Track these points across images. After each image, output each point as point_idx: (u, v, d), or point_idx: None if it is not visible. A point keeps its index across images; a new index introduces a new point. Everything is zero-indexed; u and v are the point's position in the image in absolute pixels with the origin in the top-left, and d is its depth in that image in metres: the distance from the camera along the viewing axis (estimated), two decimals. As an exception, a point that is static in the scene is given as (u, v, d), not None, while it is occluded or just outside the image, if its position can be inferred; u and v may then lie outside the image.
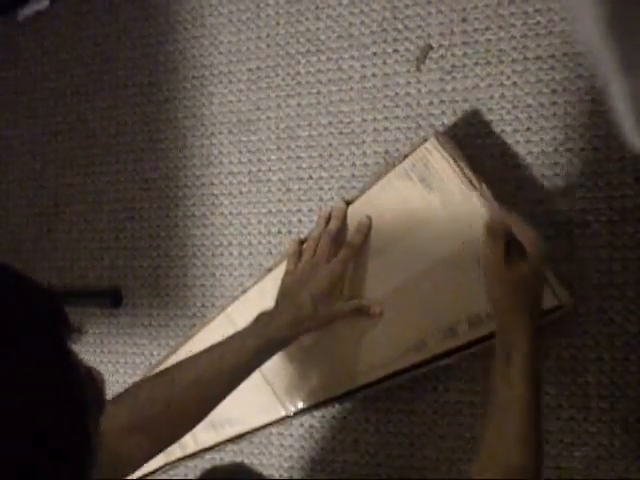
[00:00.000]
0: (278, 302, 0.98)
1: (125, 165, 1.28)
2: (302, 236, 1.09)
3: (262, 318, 0.94)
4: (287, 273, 1.02)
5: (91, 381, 0.45)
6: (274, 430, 1.13)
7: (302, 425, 1.12)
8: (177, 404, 0.81)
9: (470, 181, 0.94)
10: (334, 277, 0.96)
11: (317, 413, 1.10)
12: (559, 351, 0.97)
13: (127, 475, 0.80)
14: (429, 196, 0.96)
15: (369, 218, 1.00)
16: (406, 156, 0.99)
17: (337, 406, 1.09)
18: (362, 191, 1.03)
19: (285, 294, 0.98)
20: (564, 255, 0.97)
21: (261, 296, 1.06)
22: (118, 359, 1.27)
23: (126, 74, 1.29)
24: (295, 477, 1.13)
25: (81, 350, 1.29)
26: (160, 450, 0.83)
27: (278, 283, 1.02)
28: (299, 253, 1.03)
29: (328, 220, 1.02)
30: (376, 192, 1.01)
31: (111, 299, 1.27)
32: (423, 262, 0.97)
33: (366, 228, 0.99)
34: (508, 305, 0.82)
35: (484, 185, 0.94)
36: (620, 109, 0.51)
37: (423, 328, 0.96)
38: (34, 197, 1.37)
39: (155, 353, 1.24)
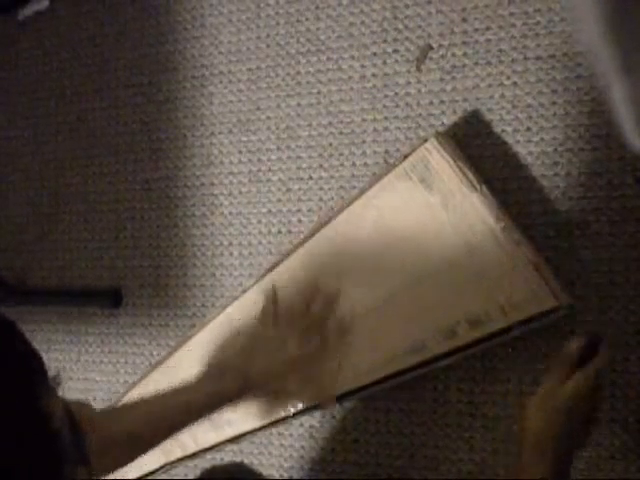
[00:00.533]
0: (235, 360, 0.99)
1: (125, 165, 1.28)
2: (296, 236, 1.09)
3: (212, 372, 0.97)
4: (258, 332, 1.02)
5: (70, 420, 0.45)
6: (274, 430, 1.13)
7: (302, 425, 1.12)
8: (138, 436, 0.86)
9: (470, 182, 0.94)
10: (298, 364, 0.98)
11: (317, 413, 1.10)
12: (559, 351, 0.96)
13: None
14: (429, 197, 0.96)
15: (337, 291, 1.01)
16: (406, 156, 0.99)
17: (337, 406, 1.09)
18: (362, 192, 1.03)
19: (245, 354, 0.99)
20: (564, 255, 0.97)
21: (261, 296, 1.07)
22: (118, 359, 1.27)
23: (126, 74, 1.29)
24: (295, 477, 1.13)
25: (81, 350, 1.30)
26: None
27: (278, 283, 1.02)
28: (273, 312, 1.03)
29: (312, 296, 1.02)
30: (376, 193, 1.01)
31: (111, 299, 1.27)
32: (423, 263, 0.97)
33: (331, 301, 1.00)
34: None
35: (484, 186, 0.94)
36: (620, 109, 0.52)
37: (423, 329, 0.96)
38: (34, 197, 1.37)
39: (155, 353, 1.24)
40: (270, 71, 1.16)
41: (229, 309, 1.12)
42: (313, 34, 1.13)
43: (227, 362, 0.99)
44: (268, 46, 1.17)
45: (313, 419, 1.11)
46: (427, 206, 0.96)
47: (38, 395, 0.44)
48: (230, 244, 1.18)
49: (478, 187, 0.94)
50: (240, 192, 1.18)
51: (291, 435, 1.13)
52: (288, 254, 1.07)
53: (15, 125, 1.40)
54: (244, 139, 1.18)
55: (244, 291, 1.12)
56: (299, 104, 1.14)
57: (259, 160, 1.17)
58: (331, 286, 1.01)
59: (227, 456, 1.17)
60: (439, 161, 0.96)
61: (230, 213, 1.19)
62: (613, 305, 0.94)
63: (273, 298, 1.04)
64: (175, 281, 1.23)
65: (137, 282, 1.26)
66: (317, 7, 1.13)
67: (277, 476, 1.14)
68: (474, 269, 0.91)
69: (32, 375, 0.45)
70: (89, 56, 1.33)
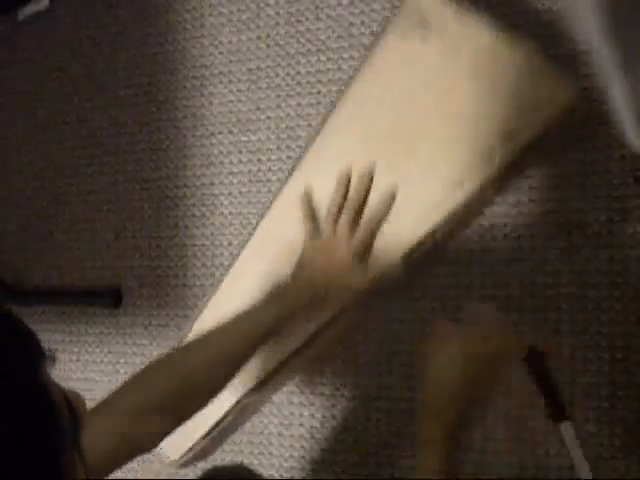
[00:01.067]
0: (295, 273, 0.93)
1: (125, 165, 1.28)
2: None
3: (280, 289, 0.91)
4: (307, 242, 0.94)
5: (67, 404, 0.46)
6: (274, 430, 1.14)
7: (302, 425, 1.12)
8: (196, 378, 0.80)
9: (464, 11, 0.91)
10: (355, 259, 0.91)
11: (317, 413, 1.10)
12: (559, 351, 0.97)
13: (147, 450, 0.80)
14: (427, 45, 0.93)
15: (395, 188, 0.93)
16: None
17: (337, 406, 1.09)
18: (359, 68, 0.99)
19: (303, 266, 0.93)
20: (564, 256, 0.97)
21: (255, 254, 1.03)
22: (118, 359, 1.27)
23: (126, 74, 1.29)
24: (295, 477, 1.13)
25: (81, 350, 1.29)
26: (182, 419, 0.81)
27: (306, 179, 0.98)
28: (313, 217, 0.96)
29: (348, 184, 0.95)
30: (377, 58, 0.97)
31: (111, 299, 1.27)
32: (446, 105, 0.92)
33: (391, 199, 0.92)
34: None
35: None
36: (620, 109, 0.52)
37: (462, 163, 0.91)
38: (34, 197, 1.37)
39: (155, 353, 1.24)
40: (270, 71, 1.16)
41: (263, 223, 1.04)
42: (313, 34, 1.13)
43: (284, 280, 0.92)
44: (268, 46, 1.17)
45: (313, 419, 1.11)
46: (429, 53, 0.92)
47: (38, 368, 0.44)
48: (230, 244, 1.19)
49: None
50: (240, 192, 1.18)
51: (291, 435, 1.13)
52: (307, 146, 1.02)
53: (15, 125, 1.40)
54: (244, 139, 1.18)
55: (273, 199, 1.04)
56: (299, 104, 1.14)
57: (259, 160, 1.17)
58: (360, 162, 0.95)
59: (227, 456, 1.17)
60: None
61: (230, 213, 1.19)
62: (613, 305, 0.94)
63: (308, 201, 0.97)
64: (175, 281, 1.23)
65: (137, 282, 1.26)
66: (317, 7, 1.13)
67: (277, 476, 1.14)
68: (492, 91, 0.89)
69: (32, 350, 0.46)
70: (89, 56, 1.33)
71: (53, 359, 1.29)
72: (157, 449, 0.84)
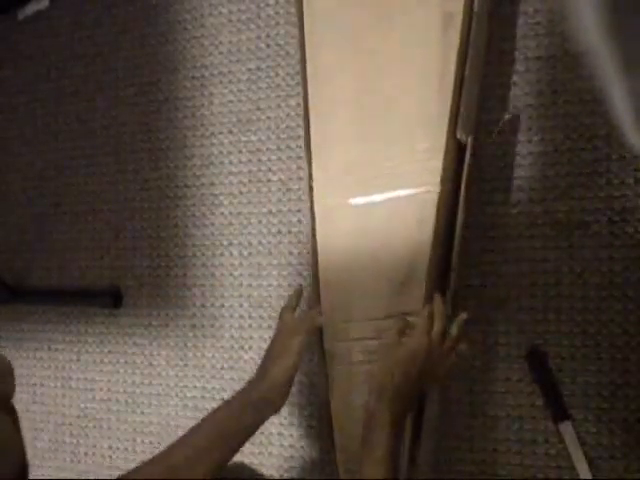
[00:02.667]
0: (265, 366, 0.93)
1: (125, 165, 1.28)
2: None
3: (252, 383, 0.93)
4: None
5: None
6: (274, 430, 1.13)
7: (302, 425, 1.12)
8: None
9: None
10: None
11: (317, 413, 1.10)
12: (559, 351, 0.97)
13: None
14: None
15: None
16: None
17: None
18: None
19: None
20: (564, 256, 0.97)
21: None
22: (118, 359, 1.27)
23: (126, 74, 1.29)
24: (295, 477, 1.13)
25: (81, 350, 1.29)
26: None
27: None
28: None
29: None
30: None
31: (111, 299, 1.27)
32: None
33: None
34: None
35: None
36: (620, 109, 0.51)
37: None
38: (34, 197, 1.37)
39: (155, 353, 1.24)
40: (270, 71, 1.16)
41: None
42: (313, 34, 1.13)
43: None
44: (268, 46, 1.17)
45: (313, 419, 1.11)
46: None
47: None
48: (230, 244, 1.18)
49: None
50: (240, 192, 1.18)
51: (291, 435, 1.13)
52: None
53: (15, 125, 1.40)
54: (244, 139, 1.18)
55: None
56: (299, 104, 1.13)
57: (259, 160, 1.17)
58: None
59: (227, 456, 1.17)
60: None
61: (230, 213, 1.19)
62: (613, 305, 0.94)
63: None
64: (175, 281, 1.23)
65: (137, 282, 1.26)
66: (317, 7, 1.13)
67: (277, 476, 1.14)
68: None
69: None
70: (89, 56, 1.33)
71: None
72: None
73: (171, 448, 0.87)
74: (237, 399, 0.91)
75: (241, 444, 0.90)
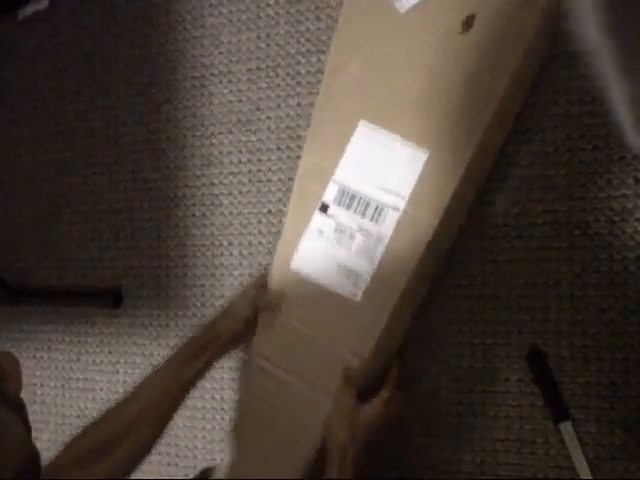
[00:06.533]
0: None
1: (125, 165, 1.28)
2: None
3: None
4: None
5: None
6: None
7: (302, 425, 1.12)
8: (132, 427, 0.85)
9: None
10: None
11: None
12: (559, 350, 0.97)
13: None
14: None
15: None
16: None
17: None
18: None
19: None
20: (564, 256, 0.97)
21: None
22: (118, 359, 1.27)
23: (126, 74, 1.29)
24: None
25: (81, 350, 1.29)
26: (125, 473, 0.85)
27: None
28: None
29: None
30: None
31: (111, 299, 1.27)
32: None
33: None
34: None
35: None
36: (620, 109, 0.51)
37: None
38: (34, 197, 1.37)
39: (155, 353, 1.24)
40: (270, 71, 1.16)
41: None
42: (313, 34, 1.13)
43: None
44: (268, 46, 1.17)
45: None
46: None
47: None
48: (230, 244, 1.18)
49: None
50: (240, 192, 1.18)
51: (291, 435, 1.13)
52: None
53: (15, 125, 1.40)
54: (244, 139, 1.18)
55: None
56: (299, 104, 1.14)
57: (259, 160, 1.17)
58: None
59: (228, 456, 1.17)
60: None
61: (230, 213, 1.19)
62: (613, 305, 0.94)
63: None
64: (175, 281, 1.23)
65: (137, 282, 1.26)
66: (317, 7, 1.13)
67: (277, 476, 1.14)
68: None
69: None
70: (89, 56, 1.33)
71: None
72: None
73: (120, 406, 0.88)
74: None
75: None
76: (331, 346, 0.91)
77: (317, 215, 0.93)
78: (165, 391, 0.90)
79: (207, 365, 0.94)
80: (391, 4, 0.92)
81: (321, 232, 0.92)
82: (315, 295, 0.92)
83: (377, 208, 0.90)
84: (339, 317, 0.91)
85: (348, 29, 0.96)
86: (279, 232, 1.14)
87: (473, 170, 0.90)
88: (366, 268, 0.90)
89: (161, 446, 1.24)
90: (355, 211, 0.92)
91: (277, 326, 0.95)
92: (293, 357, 0.93)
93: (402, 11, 0.91)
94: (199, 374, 0.94)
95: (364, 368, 0.90)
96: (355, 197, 0.92)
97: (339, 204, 0.92)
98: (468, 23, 0.88)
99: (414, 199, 0.88)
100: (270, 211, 1.15)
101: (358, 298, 0.90)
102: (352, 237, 0.91)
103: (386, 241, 0.89)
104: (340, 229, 0.92)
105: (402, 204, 0.89)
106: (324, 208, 0.92)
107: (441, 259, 0.99)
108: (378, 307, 0.90)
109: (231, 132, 1.19)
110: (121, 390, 1.26)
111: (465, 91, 0.88)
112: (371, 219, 0.91)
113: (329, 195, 0.92)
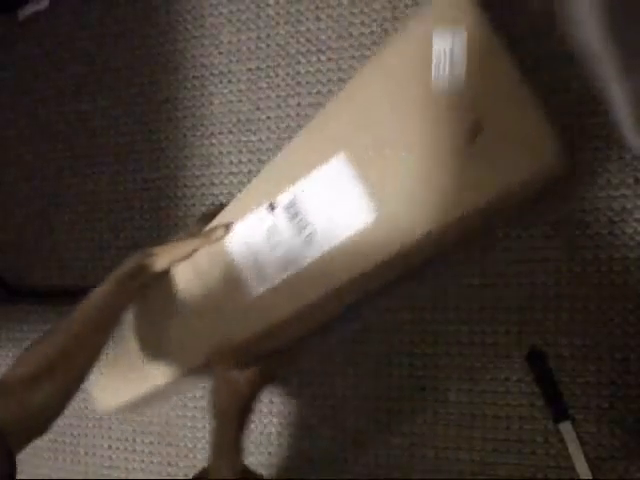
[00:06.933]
0: None
1: (125, 165, 1.28)
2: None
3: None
4: None
5: None
6: (274, 430, 1.14)
7: (302, 425, 1.12)
8: (70, 351, 0.87)
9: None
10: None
11: (317, 413, 1.10)
12: (559, 350, 0.97)
13: (46, 429, 0.86)
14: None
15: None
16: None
17: (337, 406, 1.09)
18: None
19: None
20: (564, 256, 0.97)
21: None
22: (118, 359, 1.27)
23: (126, 74, 1.29)
24: (295, 477, 1.13)
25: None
26: (68, 396, 0.88)
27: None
28: None
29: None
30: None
31: (111, 299, 1.26)
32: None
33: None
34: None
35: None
36: (620, 109, 0.52)
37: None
38: (34, 197, 1.37)
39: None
40: (270, 71, 1.16)
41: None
42: (313, 34, 1.13)
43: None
44: (268, 46, 1.17)
45: (313, 419, 1.11)
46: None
47: None
48: (230, 244, 1.18)
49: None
50: (240, 192, 1.18)
51: (291, 435, 1.13)
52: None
53: (15, 125, 1.40)
54: (244, 139, 1.18)
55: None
56: (299, 104, 1.14)
57: (259, 160, 1.17)
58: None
59: (227, 456, 1.17)
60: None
61: (230, 213, 1.19)
62: (613, 305, 0.94)
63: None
64: (175, 281, 1.23)
65: (137, 282, 1.26)
66: (317, 7, 1.13)
67: (277, 476, 1.14)
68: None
69: None
70: (89, 56, 1.33)
71: None
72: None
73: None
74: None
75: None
76: (212, 318, 0.99)
77: (264, 208, 0.98)
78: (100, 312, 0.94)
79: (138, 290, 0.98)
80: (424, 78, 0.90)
81: (260, 222, 0.98)
82: (226, 270, 0.99)
83: (310, 235, 0.96)
84: (232, 298, 0.98)
85: (367, 82, 0.96)
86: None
87: (401, 258, 0.91)
88: (276, 274, 0.96)
89: (161, 446, 1.24)
90: (294, 226, 0.97)
91: (184, 273, 1.01)
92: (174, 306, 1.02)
93: (434, 88, 0.90)
94: (131, 297, 0.98)
95: (232, 354, 0.96)
96: (299, 214, 0.97)
97: (285, 211, 0.97)
98: (473, 132, 0.88)
99: (340, 247, 0.93)
100: (270, 211, 1.15)
101: (256, 294, 0.97)
102: (279, 244, 0.97)
103: (303, 265, 0.95)
104: (274, 231, 0.97)
105: (328, 245, 0.94)
106: (272, 207, 0.97)
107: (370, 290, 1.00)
108: (265, 313, 0.96)
109: (231, 132, 1.19)
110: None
111: (440, 188, 0.89)
112: (303, 240, 0.96)
113: (281, 199, 0.97)
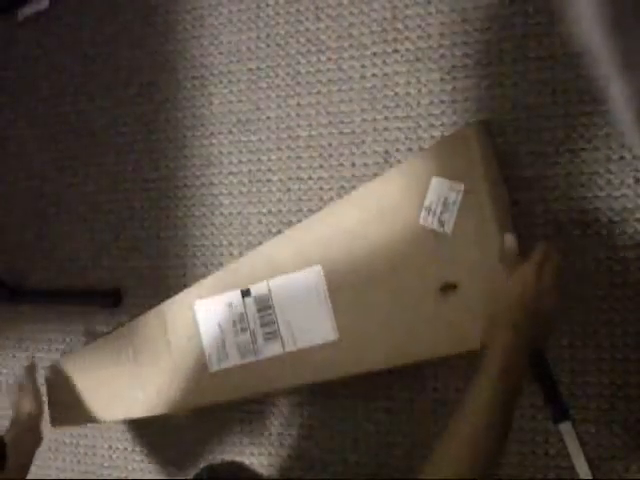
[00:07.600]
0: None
1: (125, 165, 1.28)
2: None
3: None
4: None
5: None
6: (274, 430, 1.14)
7: (302, 425, 1.12)
8: None
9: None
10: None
11: (317, 413, 1.10)
12: (559, 351, 0.97)
13: None
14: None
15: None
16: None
17: (337, 406, 1.09)
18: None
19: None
20: (564, 256, 0.96)
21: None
22: (118, 359, 1.27)
23: (126, 74, 1.29)
24: (295, 477, 1.13)
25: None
26: None
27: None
28: None
29: None
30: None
31: (111, 299, 1.27)
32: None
33: None
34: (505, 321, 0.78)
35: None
36: (620, 109, 0.52)
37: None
38: (34, 197, 1.37)
39: (155, 353, 1.24)
40: (270, 71, 1.16)
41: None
42: (313, 34, 1.13)
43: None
44: (268, 46, 1.17)
45: (313, 419, 1.11)
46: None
47: None
48: (230, 244, 1.19)
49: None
50: (240, 192, 1.18)
51: (291, 435, 1.13)
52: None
53: (15, 125, 1.40)
54: (244, 139, 1.18)
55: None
56: (299, 104, 1.14)
57: (259, 160, 1.17)
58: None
59: (227, 456, 1.17)
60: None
61: (230, 213, 1.19)
62: (613, 305, 0.94)
63: None
64: (175, 281, 1.23)
65: (137, 282, 1.26)
66: (317, 7, 1.13)
67: (277, 476, 1.14)
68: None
69: None
70: (89, 56, 1.33)
71: None
72: None
73: None
74: None
75: None
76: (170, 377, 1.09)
77: (237, 292, 1.05)
78: None
79: None
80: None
81: (229, 305, 1.05)
82: (194, 340, 1.07)
83: (274, 333, 1.02)
84: (188, 365, 1.07)
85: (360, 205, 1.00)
86: (279, 232, 1.14)
87: (348, 379, 0.99)
88: (234, 359, 1.04)
89: (161, 446, 1.24)
90: (261, 317, 1.03)
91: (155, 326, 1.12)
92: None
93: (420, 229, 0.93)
94: None
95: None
96: (268, 309, 1.03)
97: (255, 302, 1.03)
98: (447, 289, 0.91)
99: (295, 354, 1.00)
100: (270, 211, 1.15)
101: (212, 370, 1.05)
102: (243, 330, 1.04)
103: (258, 358, 1.02)
104: (242, 318, 1.04)
105: (286, 348, 1.00)
106: (246, 293, 1.04)
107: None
108: (215, 390, 1.04)
109: (231, 132, 1.19)
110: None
111: (399, 334, 0.94)
112: (265, 334, 1.02)
113: (256, 288, 1.03)
